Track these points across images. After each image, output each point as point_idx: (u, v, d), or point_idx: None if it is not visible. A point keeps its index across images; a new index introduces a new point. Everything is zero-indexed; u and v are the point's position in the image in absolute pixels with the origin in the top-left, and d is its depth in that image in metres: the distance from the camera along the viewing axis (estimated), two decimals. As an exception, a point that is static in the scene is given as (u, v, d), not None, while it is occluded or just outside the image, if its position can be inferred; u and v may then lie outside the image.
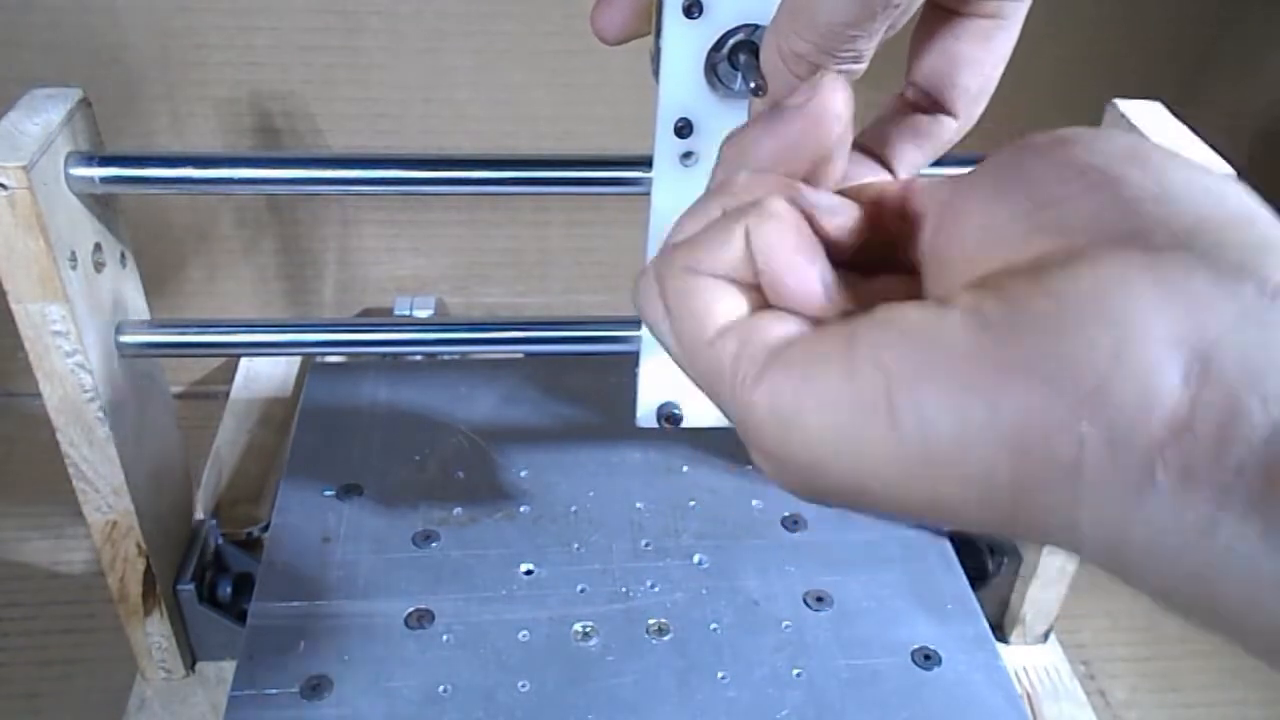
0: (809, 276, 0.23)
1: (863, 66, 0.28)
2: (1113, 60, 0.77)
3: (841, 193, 0.26)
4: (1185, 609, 0.18)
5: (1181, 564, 0.18)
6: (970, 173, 0.23)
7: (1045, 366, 0.18)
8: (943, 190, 0.24)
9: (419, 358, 0.70)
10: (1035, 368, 0.18)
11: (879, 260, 0.25)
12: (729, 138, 0.28)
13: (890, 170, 0.31)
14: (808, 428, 0.21)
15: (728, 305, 0.23)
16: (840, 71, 0.28)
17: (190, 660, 0.60)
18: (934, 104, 0.32)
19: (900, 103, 0.33)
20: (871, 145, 0.32)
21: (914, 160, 0.32)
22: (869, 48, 0.28)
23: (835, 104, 0.25)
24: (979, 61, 0.31)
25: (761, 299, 0.24)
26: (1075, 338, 0.18)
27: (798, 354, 0.22)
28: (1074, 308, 0.18)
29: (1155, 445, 0.17)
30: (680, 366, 0.25)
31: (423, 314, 0.80)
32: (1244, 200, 0.20)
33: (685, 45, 0.37)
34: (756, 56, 0.37)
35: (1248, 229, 0.19)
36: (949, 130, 0.32)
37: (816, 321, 0.23)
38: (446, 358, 0.70)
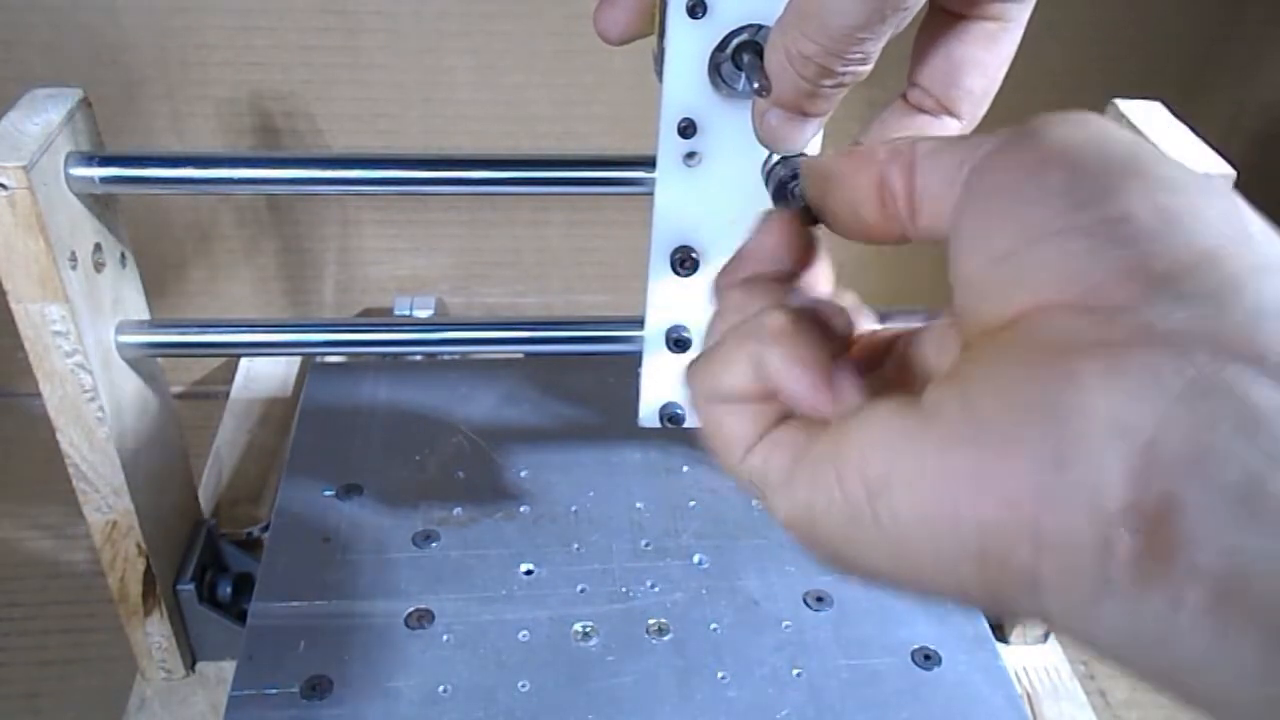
0: (821, 390, 0.23)
1: (868, 69, 0.29)
2: (1113, 60, 0.77)
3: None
4: (1166, 694, 0.18)
5: (1149, 661, 0.18)
6: (965, 192, 0.22)
7: (995, 478, 0.18)
8: (953, 196, 0.23)
9: (419, 358, 0.70)
10: (985, 478, 0.18)
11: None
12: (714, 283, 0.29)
13: None
14: (820, 529, 0.22)
15: (749, 427, 0.25)
16: (845, 73, 0.28)
17: (190, 660, 0.60)
18: (938, 105, 0.32)
19: (903, 104, 0.33)
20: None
21: None
22: (876, 50, 0.28)
23: (784, 241, 0.27)
24: (983, 64, 0.31)
25: (780, 409, 0.25)
26: (1019, 447, 0.18)
27: (806, 462, 0.23)
28: (1019, 411, 0.18)
29: (1104, 548, 0.17)
30: None
31: (423, 314, 0.80)
32: (1220, 227, 0.19)
33: (689, 45, 0.37)
34: (760, 56, 0.37)
35: (1217, 269, 0.18)
36: (952, 131, 0.32)
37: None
38: (446, 358, 0.70)
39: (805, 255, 0.27)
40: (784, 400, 0.24)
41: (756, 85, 0.37)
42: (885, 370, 0.26)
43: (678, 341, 0.46)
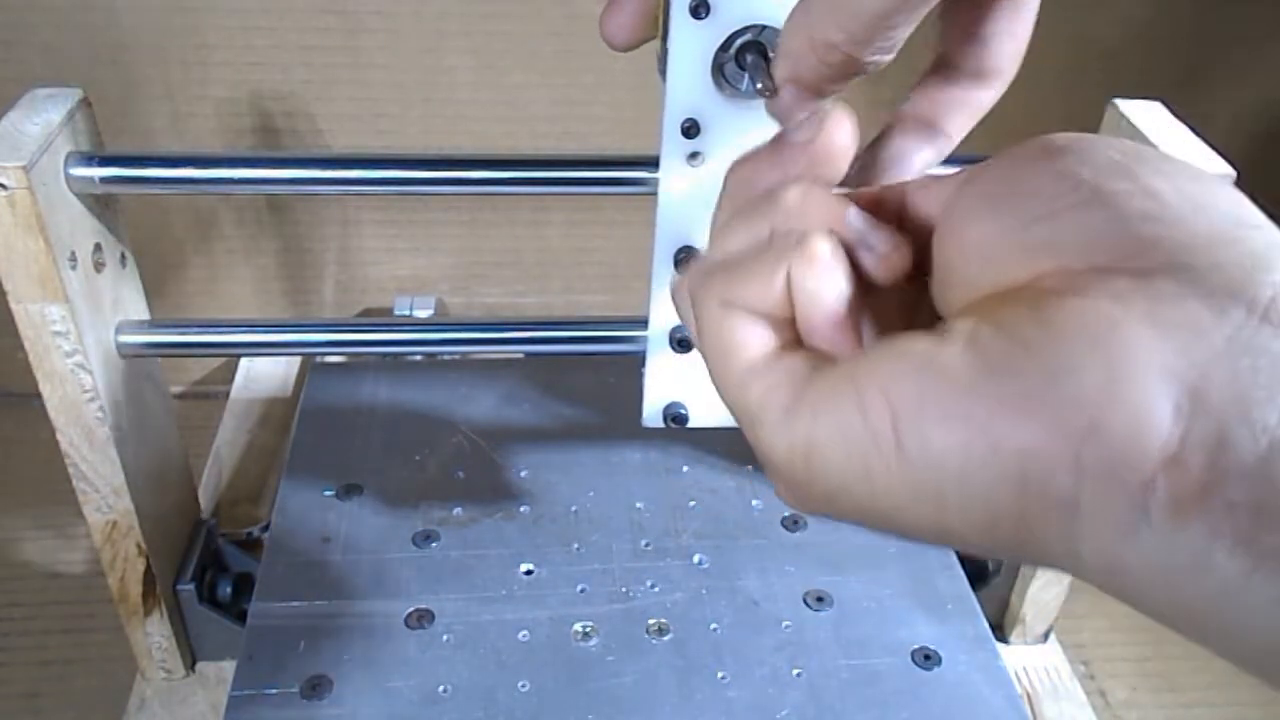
0: (846, 328, 0.23)
1: (890, 57, 0.29)
2: (1113, 60, 0.77)
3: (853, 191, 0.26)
4: (1186, 632, 0.19)
5: (1177, 595, 0.18)
6: (966, 182, 0.23)
7: (1041, 404, 0.19)
8: (943, 193, 0.24)
9: (419, 358, 0.70)
10: (1032, 405, 0.19)
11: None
12: (735, 165, 0.28)
13: (946, 135, 0.32)
14: (824, 460, 0.22)
15: (759, 342, 0.24)
16: (870, 63, 0.28)
17: (190, 660, 0.60)
18: (972, 74, 0.32)
19: (937, 74, 0.33)
20: (924, 115, 0.32)
21: (965, 125, 0.32)
22: (903, 37, 0.28)
23: (843, 138, 0.26)
24: (1014, 33, 0.31)
25: (793, 336, 0.24)
26: (1069, 375, 0.18)
27: (813, 394, 0.22)
28: (1067, 343, 0.19)
29: (1147, 480, 0.18)
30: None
31: (423, 314, 0.80)
32: (1235, 211, 0.20)
33: (692, 46, 0.37)
34: (764, 57, 0.37)
35: (1237, 245, 0.19)
36: (991, 96, 0.32)
37: None
38: (446, 358, 0.70)
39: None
40: (803, 331, 0.24)
41: (760, 86, 0.37)
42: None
43: (681, 341, 0.46)
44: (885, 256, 0.24)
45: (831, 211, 0.25)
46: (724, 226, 0.27)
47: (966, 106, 0.32)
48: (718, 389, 0.25)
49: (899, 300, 0.26)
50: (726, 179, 0.28)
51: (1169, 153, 0.22)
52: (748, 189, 0.27)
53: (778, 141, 0.27)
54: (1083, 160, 0.21)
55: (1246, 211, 0.20)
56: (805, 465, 0.22)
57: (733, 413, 0.25)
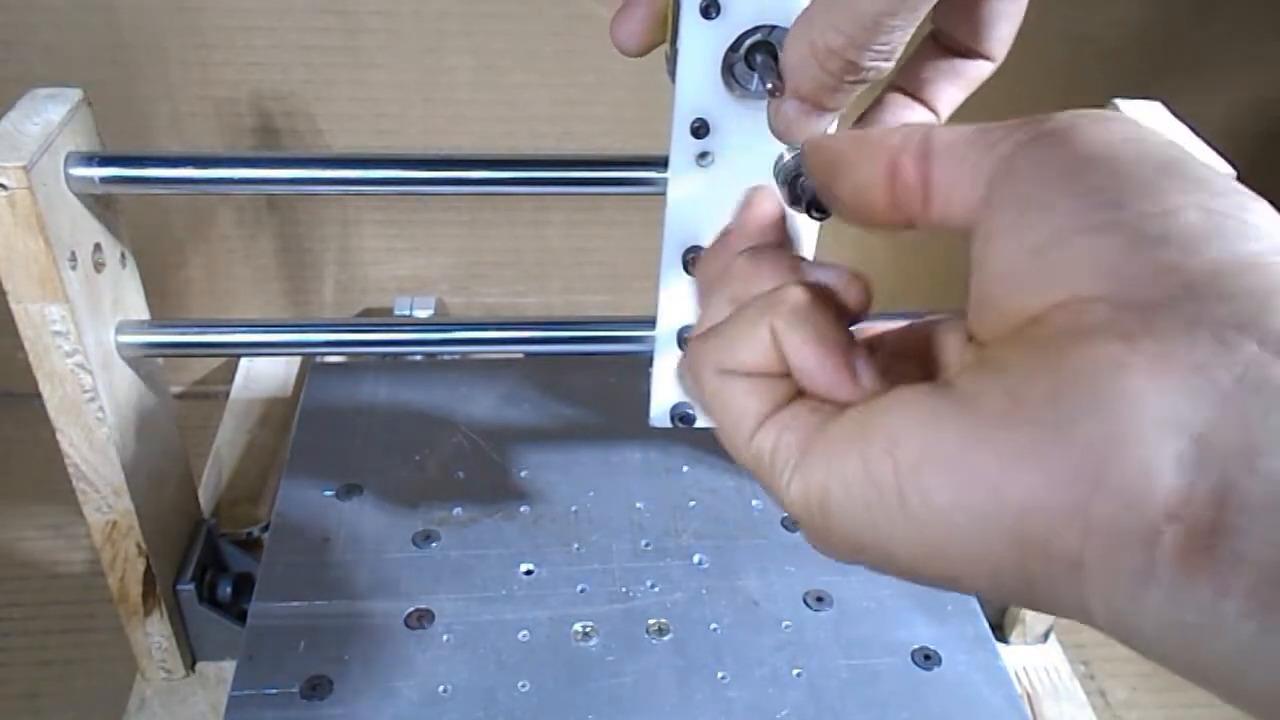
0: (840, 368, 0.23)
1: (890, 65, 0.29)
2: (1113, 60, 0.77)
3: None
4: (1206, 688, 0.18)
5: (1191, 652, 0.17)
6: (999, 183, 0.22)
7: (1042, 458, 0.18)
8: (976, 168, 0.22)
9: (419, 358, 0.70)
10: (1033, 462, 0.18)
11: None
12: (699, 264, 0.29)
13: (934, 111, 0.32)
14: (836, 512, 0.21)
15: (761, 403, 0.24)
16: (870, 68, 0.28)
17: (190, 660, 0.60)
18: (964, 53, 0.33)
19: (931, 47, 0.33)
20: (911, 89, 0.33)
21: (954, 98, 0.32)
22: (902, 42, 0.28)
23: (767, 208, 0.27)
24: (1009, 14, 0.32)
25: (791, 388, 0.24)
26: (1070, 427, 0.18)
27: (822, 445, 0.22)
28: (1068, 396, 0.18)
29: (1152, 535, 0.17)
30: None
31: (423, 314, 0.80)
32: (1260, 234, 0.19)
33: (702, 46, 0.37)
34: (774, 57, 0.37)
35: (1255, 273, 0.18)
36: (985, 70, 0.33)
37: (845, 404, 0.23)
38: (446, 358, 0.70)
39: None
40: (800, 379, 0.24)
41: (770, 85, 0.37)
42: (895, 362, 0.26)
43: (688, 342, 0.46)
44: (849, 284, 0.25)
45: (781, 265, 0.26)
46: (704, 307, 0.27)
47: (956, 82, 0.32)
48: (733, 455, 0.25)
49: (911, 346, 0.26)
50: (696, 279, 0.29)
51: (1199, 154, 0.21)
52: (710, 276, 0.28)
53: (722, 232, 0.28)
54: (1112, 176, 0.20)
55: (1274, 234, 0.19)
56: (821, 514, 0.22)
57: (751, 471, 0.25)
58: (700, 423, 0.47)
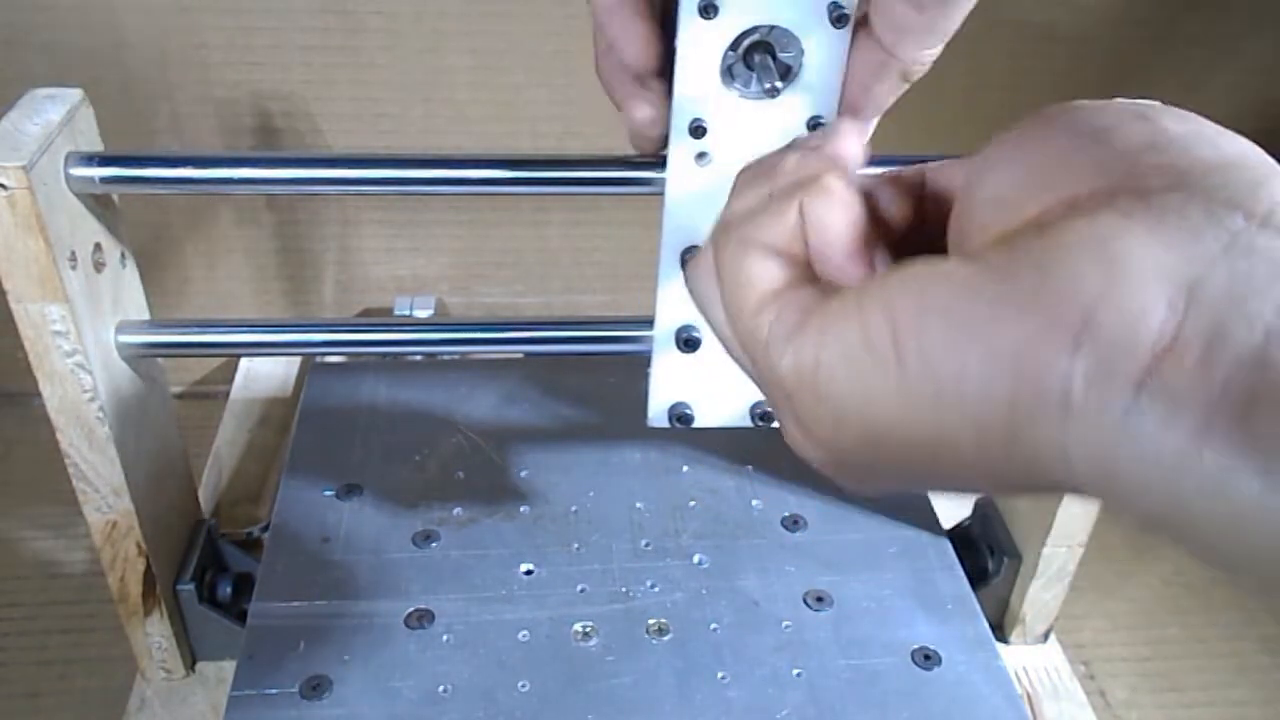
0: (856, 250, 0.24)
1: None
2: (1113, 60, 0.77)
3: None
4: (1176, 538, 0.19)
5: (1169, 491, 0.18)
6: (988, 148, 0.23)
7: (1037, 300, 0.19)
8: (962, 170, 0.25)
9: (419, 358, 0.70)
10: (1027, 301, 0.19)
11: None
12: (745, 169, 0.29)
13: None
14: (830, 379, 0.22)
15: (774, 275, 0.25)
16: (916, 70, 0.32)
17: (190, 660, 0.60)
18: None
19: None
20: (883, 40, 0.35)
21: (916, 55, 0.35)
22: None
23: (852, 148, 0.27)
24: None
25: (807, 272, 0.25)
26: (1066, 273, 0.19)
27: (819, 317, 0.23)
28: (1067, 247, 0.19)
29: (1140, 371, 0.18)
30: (721, 338, 0.27)
31: (423, 314, 0.80)
32: (1242, 146, 0.20)
33: (700, 46, 0.37)
34: (772, 56, 0.37)
35: (1242, 170, 0.20)
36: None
37: None
38: (446, 358, 0.70)
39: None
40: (816, 261, 0.24)
41: (767, 85, 0.37)
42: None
43: (688, 341, 0.46)
44: (892, 196, 0.26)
45: (831, 165, 0.26)
46: (734, 192, 0.28)
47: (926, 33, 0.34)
48: (733, 325, 0.26)
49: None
50: (736, 179, 0.29)
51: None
52: (752, 173, 0.28)
53: (788, 148, 0.29)
54: (1097, 111, 0.22)
55: (1255, 150, 0.21)
56: (812, 386, 0.22)
57: (744, 350, 0.25)
58: (699, 422, 0.47)
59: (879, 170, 0.27)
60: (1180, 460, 0.17)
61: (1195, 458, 0.17)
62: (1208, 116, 0.22)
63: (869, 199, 0.25)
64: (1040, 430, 0.19)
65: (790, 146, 0.28)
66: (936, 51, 0.35)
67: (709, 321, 0.27)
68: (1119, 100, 0.23)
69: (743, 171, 0.29)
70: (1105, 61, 0.77)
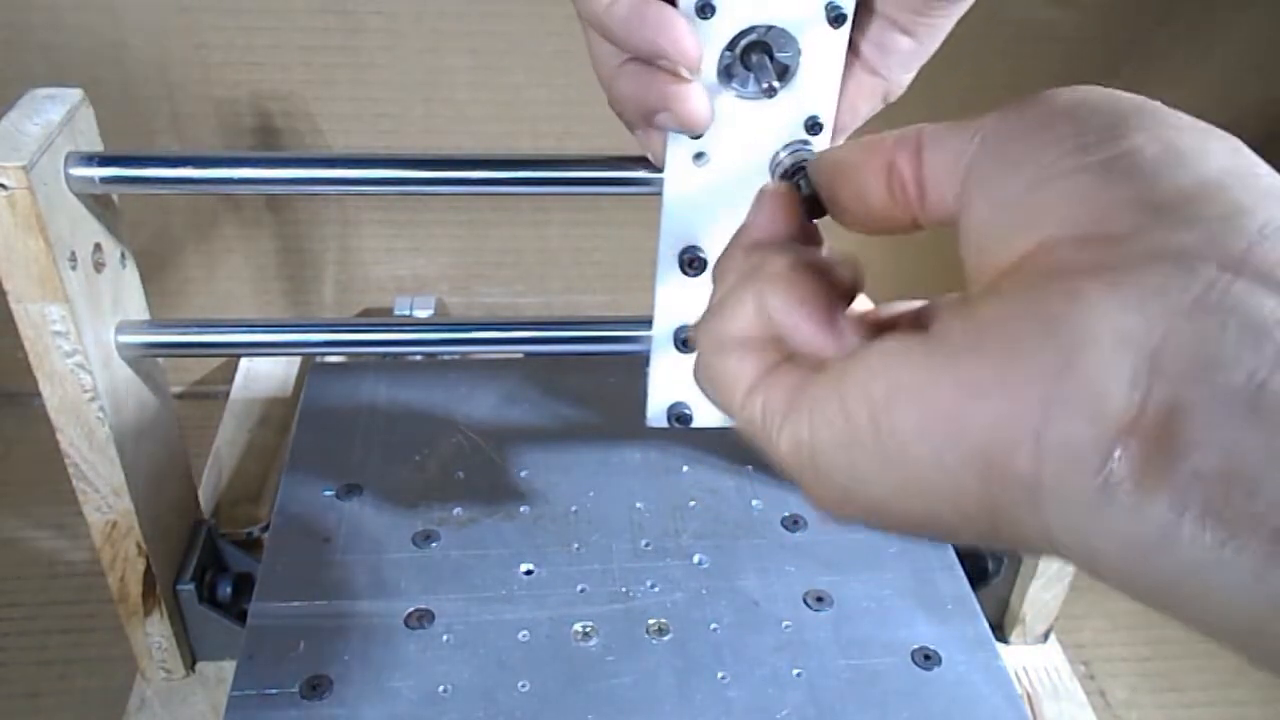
0: (818, 327, 0.24)
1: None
2: (1112, 60, 0.77)
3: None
4: (1167, 612, 0.18)
5: (1151, 572, 0.17)
6: (980, 146, 0.22)
7: (1000, 386, 0.18)
8: (957, 149, 0.23)
9: (419, 358, 0.70)
10: (991, 387, 0.19)
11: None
12: (715, 265, 0.29)
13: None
14: (822, 463, 0.22)
15: (750, 368, 0.25)
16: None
17: (190, 660, 0.60)
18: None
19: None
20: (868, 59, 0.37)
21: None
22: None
23: (784, 210, 0.28)
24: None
25: (781, 353, 0.25)
26: (1024, 350, 0.18)
27: (805, 397, 0.23)
28: (1025, 325, 0.18)
29: (1105, 453, 0.17)
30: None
31: (423, 314, 0.80)
32: (1224, 162, 0.19)
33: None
34: (769, 56, 0.37)
35: (1220, 196, 0.18)
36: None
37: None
38: (446, 358, 0.70)
39: (804, 231, 0.28)
40: (787, 340, 0.24)
41: (765, 85, 0.37)
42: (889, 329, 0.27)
43: (686, 341, 0.46)
44: (838, 262, 0.26)
45: (776, 249, 0.26)
46: (710, 299, 0.28)
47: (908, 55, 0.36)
48: (736, 423, 0.26)
49: (909, 319, 0.26)
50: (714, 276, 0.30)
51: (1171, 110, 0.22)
52: (718, 271, 0.29)
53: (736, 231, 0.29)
54: (1079, 123, 0.21)
55: (1237, 161, 0.19)
56: (811, 464, 0.23)
57: (751, 439, 0.25)
58: (697, 422, 0.47)
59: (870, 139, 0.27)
60: (1158, 543, 0.17)
61: (1173, 541, 0.16)
62: (1208, 117, 0.21)
63: (826, 272, 0.25)
64: (1017, 512, 0.19)
65: (736, 238, 0.28)
66: (913, 74, 0.37)
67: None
68: (1106, 97, 0.22)
69: (714, 267, 0.29)
70: (1104, 61, 0.77)
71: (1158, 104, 0.21)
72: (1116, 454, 0.17)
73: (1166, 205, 0.18)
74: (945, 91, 0.74)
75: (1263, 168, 0.19)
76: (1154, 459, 0.16)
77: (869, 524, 0.23)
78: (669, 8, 0.34)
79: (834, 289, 0.25)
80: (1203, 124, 0.21)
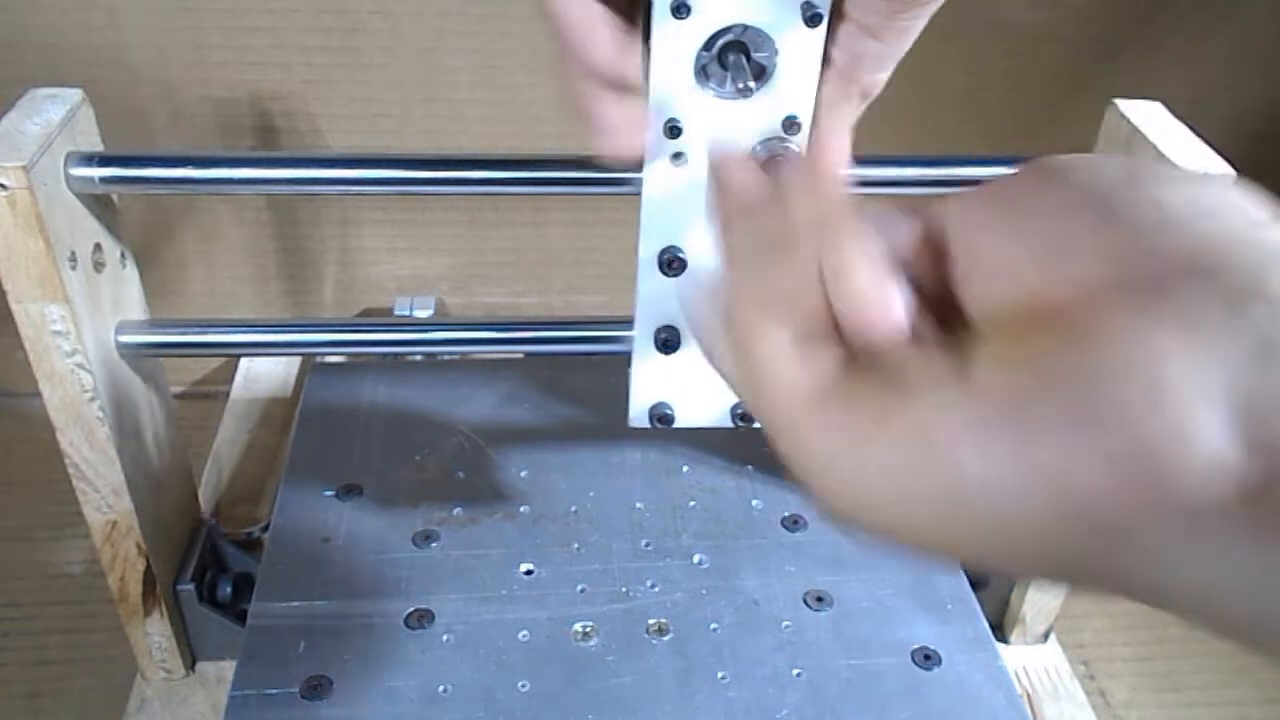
0: (893, 304, 0.22)
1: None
2: (1113, 60, 0.77)
3: None
4: (1250, 646, 0.18)
5: (1239, 612, 0.18)
6: (978, 200, 0.22)
7: (1078, 431, 0.18)
8: (958, 219, 0.23)
9: (419, 358, 0.70)
10: (1068, 433, 0.18)
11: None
12: (721, 169, 0.27)
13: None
14: (861, 486, 0.21)
15: (803, 372, 0.22)
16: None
17: (190, 660, 0.60)
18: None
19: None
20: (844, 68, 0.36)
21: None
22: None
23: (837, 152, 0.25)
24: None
25: (819, 330, 0.23)
26: (1104, 400, 0.18)
27: (848, 417, 0.21)
28: (1099, 363, 0.18)
29: (1203, 500, 0.17)
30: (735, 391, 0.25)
31: (423, 314, 0.80)
32: (1244, 213, 0.20)
33: (674, 45, 0.37)
34: (746, 56, 0.37)
35: (1249, 244, 0.19)
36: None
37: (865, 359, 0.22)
38: (446, 358, 0.70)
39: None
40: (847, 322, 0.22)
41: (741, 85, 0.37)
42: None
43: (666, 342, 0.45)
44: (896, 219, 0.24)
45: (835, 190, 0.23)
46: (726, 231, 0.26)
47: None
48: (749, 400, 0.24)
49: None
50: (715, 186, 0.28)
51: (1170, 160, 0.21)
52: (743, 195, 0.26)
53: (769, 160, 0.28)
54: (1087, 176, 0.21)
55: (1256, 212, 0.20)
56: (840, 485, 0.21)
57: (763, 421, 0.23)
58: (679, 422, 0.47)
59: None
60: (1260, 586, 0.17)
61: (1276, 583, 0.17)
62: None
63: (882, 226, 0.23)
64: (1099, 561, 0.18)
65: (772, 162, 0.27)
66: (889, 72, 0.36)
67: (713, 366, 0.26)
68: (1108, 159, 0.21)
69: (718, 191, 0.27)
70: (1104, 62, 0.77)
71: (1154, 160, 0.22)
72: (1218, 499, 0.17)
73: (1200, 252, 0.19)
74: (945, 91, 0.74)
75: (1272, 215, 0.20)
76: (1258, 502, 0.17)
77: (885, 540, 0.22)
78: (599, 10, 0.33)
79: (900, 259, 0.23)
80: (1207, 176, 0.21)
